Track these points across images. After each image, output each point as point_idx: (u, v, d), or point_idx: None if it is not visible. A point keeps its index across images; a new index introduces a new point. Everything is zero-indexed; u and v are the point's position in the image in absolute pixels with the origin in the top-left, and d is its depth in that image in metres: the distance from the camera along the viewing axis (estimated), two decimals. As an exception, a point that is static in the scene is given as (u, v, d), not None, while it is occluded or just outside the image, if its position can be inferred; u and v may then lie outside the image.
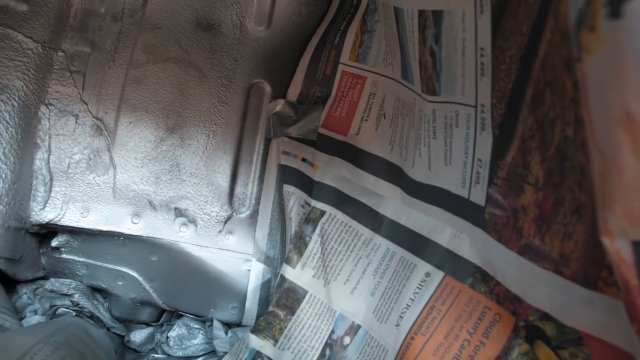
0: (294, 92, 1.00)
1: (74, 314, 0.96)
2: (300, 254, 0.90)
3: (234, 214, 1.01)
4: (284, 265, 0.91)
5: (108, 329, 1.03)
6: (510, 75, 0.58)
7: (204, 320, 1.06)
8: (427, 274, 0.75)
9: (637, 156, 0.34)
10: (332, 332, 0.84)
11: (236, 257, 1.01)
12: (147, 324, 1.07)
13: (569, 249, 0.54)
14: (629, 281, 0.39)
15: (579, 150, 0.50)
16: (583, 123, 0.49)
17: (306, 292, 0.88)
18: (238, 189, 1.01)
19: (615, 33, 0.30)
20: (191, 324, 1.05)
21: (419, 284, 0.75)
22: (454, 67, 0.66)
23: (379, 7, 0.87)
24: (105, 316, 1.02)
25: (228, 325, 1.05)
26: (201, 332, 1.04)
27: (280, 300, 0.89)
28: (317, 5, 1.02)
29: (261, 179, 1.02)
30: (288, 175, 0.97)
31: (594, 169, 0.40)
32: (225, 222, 1.00)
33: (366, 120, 0.90)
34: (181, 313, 1.06)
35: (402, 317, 0.75)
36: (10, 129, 0.88)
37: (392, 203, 0.83)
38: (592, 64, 0.33)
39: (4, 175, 0.87)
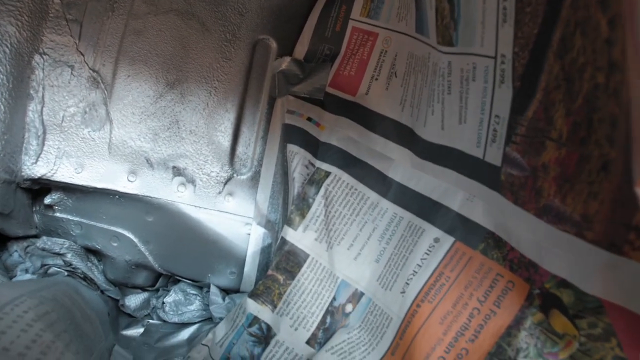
0: (301, 49, 0.96)
1: (66, 274, 0.93)
2: (303, 215, 0.86)
3: (235, 175, 0.97)
4: (285, 226, 0.87)
5: (102, 291, 0.99)
6: (536, 18, 0.53)
7: (201, 287, 1.03)
8: (436, 240, 0.71)
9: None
10: (334, 299, 0.81)
11: (236, 220, 0.97)
12: (143, 289, 1.04)
13: (593, 209, 0.50)
14: (664, 239, 0.35)
15: (611, 98, 0.46)
16: (616, 67, 0.44)
17: (307, 255, 0.84)
18: (240, 149, 0.97)
19: None
20: (188, 290, 1.01)
21: (427, 250, 0.71)
22: (473, 14, 0.61)
23: (394, -42, 0.82)
24: (99, 278, 0.98)
25: (225, 292, 1.01)
26: (198, 298, 1.01)
27: (280, 263, 0.85)
28: (328, -42, 0.96)
29: (264, 139, 0.98)
30: (292, 134, 0.93)
31: (633, 87, 0.35)
32: (226, 183, 0.96)
33: (376, 79, 0.86)
34: (178, 278, 1.02)
35: (408, 284, 0.72)
36: (1, 76, 0.84)
37: (402, 167, 0.79)
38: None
39: (-7, 125, 0.83)
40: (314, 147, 0.89)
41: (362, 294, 0.79)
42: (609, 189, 0.49)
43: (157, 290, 1.04)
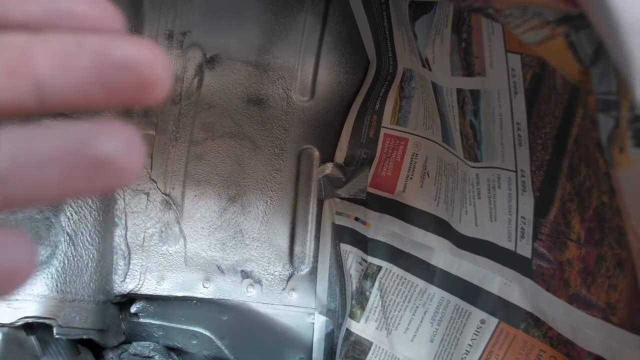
0: (340, 155, 1.09)
1: (156, 374, 1.05)
2: (363, 308, 0.97)
3: (295, 271, 1.10)
4: (349, 319, 0.98)
5: (184, 384, 1.11)
6: (546, 148, 0.65)
7: (272, 372, 1.14)
8: (482, 321, 0.82)
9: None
10: (397, 378, 0.92)
11: (300, 311, 1.09)
12: (219, 377, 1.16)
13: (615, 298, 0.61)
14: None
15: (616, 215, 0.58)
16: (617, 192, 0.56)
17: (371, 343, 0.96)
18: (297, 249, 1.10)
19: (642, 157, 0.38)
20: (260, 376, 1.13)
21: (476, 331, 0.82)
22: (493, 138, 0.73)
23: (415, 76, 0.96)
24: (181, 373, 1.10)
25: (296, 376, 1.13)
26: (270, 382, 1.12)
27: (348, 352, 0.97)
28: (355, 73, 1.11)
29: (317, 237, 1.11)
30: (343, 234, 1.05)
31: (632, 247, 0.47)
32: (288, 280, 1.09)
33: (411, 178, 0.98)
34: (251, 366, 1.15)
35: (462, 362, 0.82)
36: (94, 212, 0.98)
37: (442, 254, 0.90)
38: (624, 173, 0.41)
39: (91, 255, 0.97)
40: (364, 244, 1.01)
41: (421, 371, 0.90)
42: (625, 282, 0.60)
43: (232, 378, 1.16)
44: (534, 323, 0.75)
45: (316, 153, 1.11)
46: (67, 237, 0.95)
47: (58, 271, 0.94)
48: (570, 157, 0.62)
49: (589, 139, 0.58)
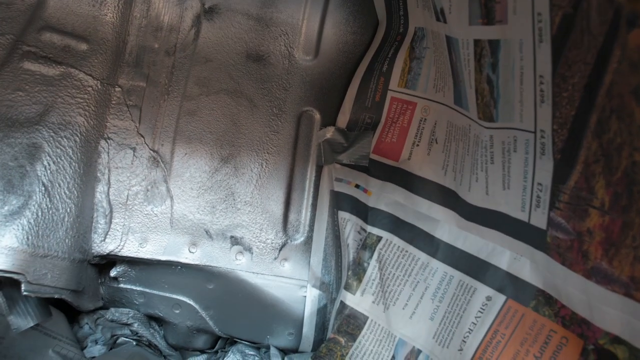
0: (343, 119, 1.02)
1: (134, 343, 0.99)
2: (360, 280, 0.91)
3: (289, 240, 1.03)
4: (344, 291, 0.92)
5: (165, 357, 1.05)
6: (573, 102, 0.59)
7: (259, 347, 1.07)
8: (488, 298, 0.75)
9: None
10: (393, 357, 0.85)
11: (292, 283, 1.03)
12: (202, 351, 1.09)
13: (640, 272, 0.54)
14: None
15: (650, 175, 0.51)
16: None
17: (367, 318, 0.89)
18: (292, 216, 1.04)
19: None
20: (246, 351, 1.06)
21: (481, 308, 0.76)
22: (511, 94, 0.66)
23: (427, 35, 0.89)
24: (161, 344, 1.04)
25: (284, 352, 1.06)
26: (256, 358, 1.06)
27: (341, 326, 0.90)
28: (362, 33, 1.04)
29: (314, 205, 1.04)
30: (342, 201, 0.99)
31: None
32: (280, 249, 1.02)
33: (417, 145, 0.91)
34: (236, 340, 1.08)
35: (464, 341, 0.76)
36: (74, 164, 0.91)
37: (448, 227, 0.84)
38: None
39: (68, 210, 0.91)
40: (364, 212, 0.94)
41: (419, 351, 0.83)
42: (654, 253, 0.53)
43: (216, 352, 1.09)
44: (544, 301, 0.69)
45: (317, 116, 1.05)
46: (43, 188, 0.88)
47: (30, 223, 0.87)
48: (599, 111, 0.56)
49: (625, 86, 0.51)
